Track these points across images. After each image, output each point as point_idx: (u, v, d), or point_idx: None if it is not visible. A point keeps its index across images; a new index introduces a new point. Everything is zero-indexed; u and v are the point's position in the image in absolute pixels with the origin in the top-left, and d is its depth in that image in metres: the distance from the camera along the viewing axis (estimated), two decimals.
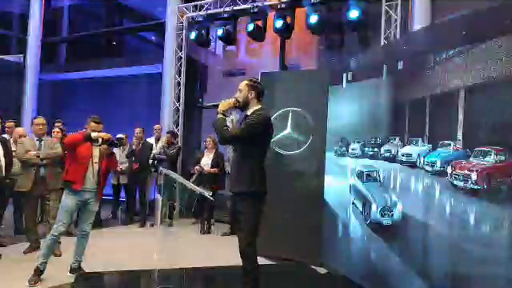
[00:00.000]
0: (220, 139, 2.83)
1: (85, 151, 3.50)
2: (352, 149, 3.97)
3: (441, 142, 2.88)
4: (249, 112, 2.89)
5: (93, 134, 3.45)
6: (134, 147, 6.22)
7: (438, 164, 2.86)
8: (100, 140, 3.50)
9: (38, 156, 4.24)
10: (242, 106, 2.90)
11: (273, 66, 7.48)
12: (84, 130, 3.66)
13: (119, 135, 3.86)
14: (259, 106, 2.89)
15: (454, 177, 2.70)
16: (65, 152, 4.78)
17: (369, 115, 3.79)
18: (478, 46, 2.57)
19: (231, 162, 3.05)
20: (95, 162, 3.55)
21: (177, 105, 7.52)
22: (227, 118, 2.88)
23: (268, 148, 2.96)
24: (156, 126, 6.74)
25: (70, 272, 3.64)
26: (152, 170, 6.32)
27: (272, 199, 2.94)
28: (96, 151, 3.57)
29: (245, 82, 2.93)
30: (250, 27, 6.51)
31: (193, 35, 7.12)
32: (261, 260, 2.76)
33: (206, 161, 5.93)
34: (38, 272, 3.48)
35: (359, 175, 3.80)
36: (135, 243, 3.94)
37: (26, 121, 9.00)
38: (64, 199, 3.50)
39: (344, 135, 4.12)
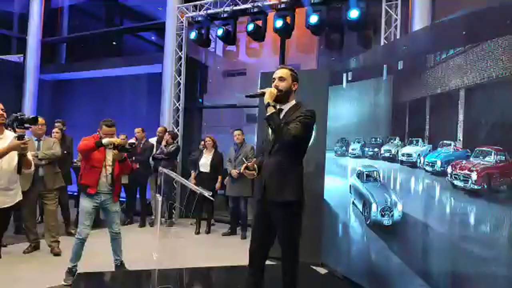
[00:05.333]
0: (280, 139, 2.43)
1: (99, 156, 3.56)
2: (352, 149, 3.97)
3: (441, 142, 2.87)
4: (286, 107, 2.55)
5: (104, 141, 3.45)
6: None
7: (438, 164, 2.86)
8: (111, 146, 3.49)
9: (37, 156, 4.25)
10: (281, 97, 2.52)
11: (273, 66, 7.46)
12: (97, 133, 3.67)
13: (131, 141, 3.83)
14: (295, 101, 2.59)
15: (454, 177, 2.70)
16: (65, 152, 4.80)
17: (369, 115, 3.79)
18: (478, 46, 2.57)
19: (265, 165, 2.58)
20: (109, 165, 3.59)
21: (177, 105, 7.52)
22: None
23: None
24: (160, 129, 6.67)
25: (115, 269, 3.78)
26: (152, 170, 6.31)
27: None
28: (109, 155, 3.62)
29: (289, 71, 2.55)
30: (250, 27, 6.50)
31: (193, 35, 7.12)
32: None
33: (205, 161, 5.93)
34: (72, 273, 3.58)
35: (359, 175, 3.80)
36: (135, 243, 3.94)
37: None
38: (81, 202, 3.59)
39: (344, 135, 4.12)
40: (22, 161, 2.91)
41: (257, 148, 4.95)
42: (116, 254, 3.80)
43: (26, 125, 2.78)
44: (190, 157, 6.67)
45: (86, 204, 3.55)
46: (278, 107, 2.55)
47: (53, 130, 5.21)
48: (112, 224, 3.72)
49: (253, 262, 2.66)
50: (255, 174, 2.64)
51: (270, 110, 2.43)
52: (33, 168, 3.14)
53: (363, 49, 6.46)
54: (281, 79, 2.54)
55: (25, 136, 2.78)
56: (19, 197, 3.13)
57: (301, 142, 2.48)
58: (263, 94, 2.50)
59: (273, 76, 2.59)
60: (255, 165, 2.64)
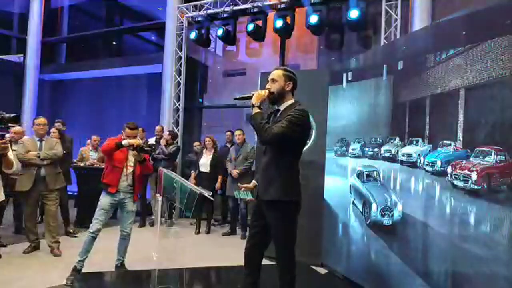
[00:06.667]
0: (261, 139, 2.46)
1: (121, 156, 3.67)
2: (352, 149, 3.97)
3: (441, 142, 2.88)
4: (282, 107, 2.55)
5: (124, 142, 3.55)
6: None
7: (438, 164, 2.86)
8: (131, 147, 3.59)
9: (39, 157, 4.25)
10: (275, 99, 2.56)
11: (273, 66, 7.45)
12: (120, 134, 3.76)
13: (150, 142, 3.90)
14: (293, 100, 2.57)
15: (454, 177, 2.70)
16: (64, 152, 4.80)
17: (369, 115, 3.79)
18: (478, 46, 2.57)
19: (260, 165, 2.64)
20: (130, 166, 3.72)
21: (177, 105, 7.52)
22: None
23: (302, 150, 2.60)
24: (158, 128, 6.67)
25: (115, 269, 3.81)
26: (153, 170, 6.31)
27: None
28: (131, 155, 3.72)
29: (281, 71, 2.57)
30: (250, 27, 6.51)
31: (193, 35, 7.13)
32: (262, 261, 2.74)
33: (205, 161, 5.93)
34: (76, 271, 3.61)
35: (359, 175, 3.80)
36: (135, 243, 3.94)
37: (26, 121, 9.02)
38: (101, 199, 3.69)
39: (344, 135, 4.12)
40: (3, 161, 2.90)
41: (257, 148, 4.95)
42: (120, 255, 3.83)
43: (10, 124, 2.77)
44: (186, 158, 6.68)
45: (104, 200, 3.67)
46: (276, 107, 2.61)
47: (51, 130, 5.20)
48: (125, 223, 3.77)
49: (249, 262, 2.66)
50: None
51: (254, 110, 2.47)
52: (14, 168, 3.11)
53: (363, 49, 6.46)
54: (273, 80, 2.56)
55: (6, 136, 2.77)
56: (1, 197, 3.13)
57: (289, 141, 2.44)
58: (251, 96, 2.54)
59: (268, 78, 2.63)
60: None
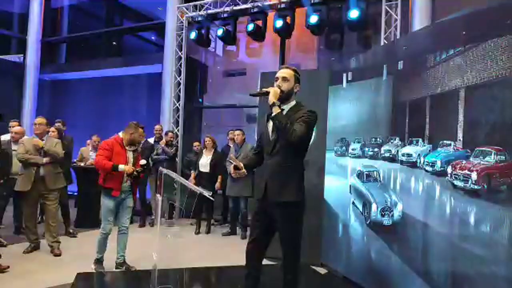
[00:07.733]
0: (287, 140, 2.39)
1: (121, 160, 3.76)
2: (352, 149, 3.97)
3: (441, 142, 2.88)
4: (286, 107, 2.54)
5: (120, 167, 3.68)
6: None
7: (438, 164, 2.86)
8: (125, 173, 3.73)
9: (42, 147, 4.24)
10: (281, 98, 2.50)
11: (273, 66, 7.48)
12: (117, 134, 3.86)
13: (142, 162, 3.96)
14: (295, 101, 2.58)
15: (454, 177, 2.70)
16: (65, 152, 4.78)
17: (369, 115, 3.79)
18: (478, 46, 2.57)
19: (266, 166, 2.60)
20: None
21: (177, 105, 7.52)
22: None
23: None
24: (157, 127, 6.69)
25: (116, 267, 3.89)
26: (153, 170, 6.31)
27: None
28: (130, 155, 3.85)
29: (293, 72, 2.55)
30: (250, 27, 6.51)
31: (193, 35, 7.13)
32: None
33: (205, 161, 5.93)
34: (100, 262, 3.86)
35: (359, 175, 3.80)
36: (135, 243, 3.95)
37: (26, 121, 9.02)
38: (103, 201, 3.82)
39: (344, 135, 4.12)
40: None
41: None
42: (121, 250, 3.90)
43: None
44: (185, 158, 6.68)
45: (107, 202, 3.79)
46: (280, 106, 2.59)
47: (50, 129, 5.20)
48: (123, 218, 3.90)
49: (250, 262, 2.66)
50: (245, 172, 2.65)
51: (276, 110, 2.43)
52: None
53: (363, 49, 6.47)
54: (285, 79, 2.53)
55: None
56: None
57: (306, 142, 2.51)
58: (267, 93, 2.50)
59: (276, 75, 2.58)
60: (242, 164, 2.65)
